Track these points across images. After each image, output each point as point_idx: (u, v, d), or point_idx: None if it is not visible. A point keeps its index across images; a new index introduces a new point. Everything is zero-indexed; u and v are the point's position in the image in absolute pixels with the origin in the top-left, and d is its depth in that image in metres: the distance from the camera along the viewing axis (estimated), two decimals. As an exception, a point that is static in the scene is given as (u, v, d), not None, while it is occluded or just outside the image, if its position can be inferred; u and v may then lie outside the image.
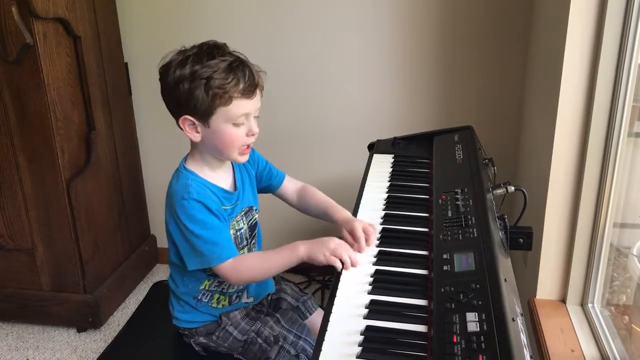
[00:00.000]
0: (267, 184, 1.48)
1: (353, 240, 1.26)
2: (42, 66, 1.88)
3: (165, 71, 1.21)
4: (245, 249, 1.39)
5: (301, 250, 1.23)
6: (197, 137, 1.24)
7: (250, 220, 1.39)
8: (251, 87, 1.20)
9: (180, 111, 1.21)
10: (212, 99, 1.17)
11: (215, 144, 1.24)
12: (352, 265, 1.19)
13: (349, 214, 1.37)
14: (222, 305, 1.40)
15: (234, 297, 1.41)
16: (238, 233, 1.35)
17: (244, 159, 1.29)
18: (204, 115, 1.20)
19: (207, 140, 1.24)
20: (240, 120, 1.21)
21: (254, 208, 1.41)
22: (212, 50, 1.20)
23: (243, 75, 1.19)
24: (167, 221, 1.28)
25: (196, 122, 1.21)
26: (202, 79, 1.16)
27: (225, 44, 1.24)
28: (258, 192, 1.47)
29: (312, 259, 1.22)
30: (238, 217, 1.35)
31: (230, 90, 1.17)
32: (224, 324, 1.38)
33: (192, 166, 1.29)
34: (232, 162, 1.36)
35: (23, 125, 1.98)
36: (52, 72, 1.93)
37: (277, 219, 2.30)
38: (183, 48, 1.22)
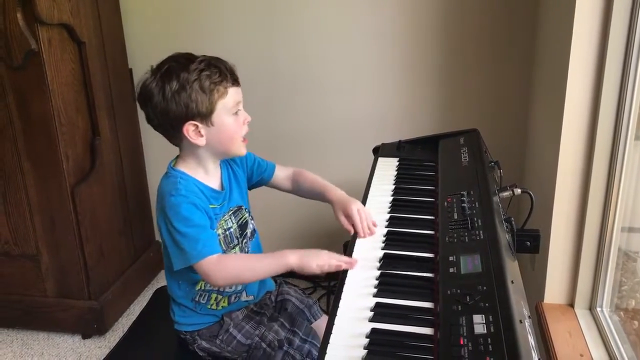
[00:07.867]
0: (259, 178, 1.50)
1: (349, 225, 1.33)
2: (47, 72, 1.89)
3: (149, 94, 1.23)
4: (237, 248, 1.38)
5: (291, 259, 1.23)
6: (202, 141, 1.26)
7: (240, 219, 1.40)
8: (234, 76, 1.27)
9: (180, 121, 1.23)
10: (210, 95, 1.22)
11: (221, 140, 1.28)
12: (351, 264, 1.20)
13: (343, 194, 1.41)
14: (222, 306, 1.40)
15: (232, 297, 1.40)
16: (227, 232, 1.35)
17: (245, 149, 1.34)
18: (206, 115, 1.24)
19: (212, 140, 1.27)
20: (236, 108, 1.27)
21: (244, 207, 1.42)
22: (187, 57, 1.25)
23: (224, 67, 1.25)
24: (158, 223, 1.29)
25: (199, 124, 1.24)
26: (194, 82, 1.21)
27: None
28: (253, 188, 1.50)
29: (303, 268, 1.23)
30: (226, 216, 1.36)
31: (222, 82, 1.23)
32: (226, 325, 1.38)
33: (182, 168, 1.32)
34: (220, 164, 1.38)
35: (28, 131, 1.98)
36: (57, 78, 1.94)
37: (275, 223, 2.30)
38: (151, 68, 1.26)
